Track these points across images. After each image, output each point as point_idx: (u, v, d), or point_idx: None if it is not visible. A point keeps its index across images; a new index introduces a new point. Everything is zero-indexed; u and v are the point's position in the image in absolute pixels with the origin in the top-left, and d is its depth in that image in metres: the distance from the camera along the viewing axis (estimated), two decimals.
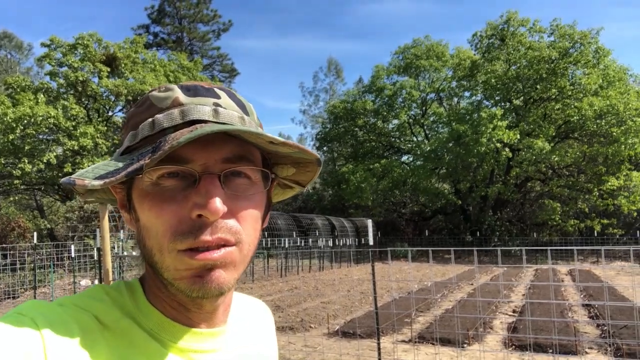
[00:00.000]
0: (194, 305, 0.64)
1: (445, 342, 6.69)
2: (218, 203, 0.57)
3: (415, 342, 6.91)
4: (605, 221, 24.33)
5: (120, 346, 0.58)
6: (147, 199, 0.60)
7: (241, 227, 0.61)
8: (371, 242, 5.28)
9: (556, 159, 24.52)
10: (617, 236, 24.39)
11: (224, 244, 0.59)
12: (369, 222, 5.27)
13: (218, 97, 0.63)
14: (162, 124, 0.60)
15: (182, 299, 0.63)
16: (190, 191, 0.59)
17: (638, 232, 20.81)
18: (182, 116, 0.60)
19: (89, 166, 0.62)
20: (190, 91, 0.63)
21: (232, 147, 0.61)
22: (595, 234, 23.47)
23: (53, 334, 0.53)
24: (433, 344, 6.66)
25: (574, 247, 5.95)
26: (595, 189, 24.43)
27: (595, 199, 24.37)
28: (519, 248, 8.94)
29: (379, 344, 5.37)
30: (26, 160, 17.25)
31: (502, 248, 9.56)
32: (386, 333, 7.49)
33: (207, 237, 0.57)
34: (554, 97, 26.23)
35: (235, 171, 0.61)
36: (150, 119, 0.61)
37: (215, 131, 0.54)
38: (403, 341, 7.10)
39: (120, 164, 0.59)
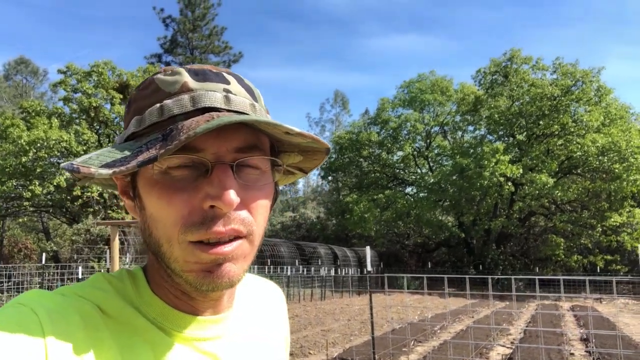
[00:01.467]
0: (199, 294, 0.63)
1: None
2: (232, 194, 0.56)
3: None
4: (609, 257, 24.30)
5: (123, 335, 0.58)
6: (156, 188, 0.58)
7: (252, 218, 0.60)
8: (369, 268, 5.47)
9: (559, 194, 24.67)
10: (621, 273, 24.28)
11: (236, 235, 0.58)
12: (367, 248, 5.48)
13: (227, 82, 0.62)
14: (172, 110, 0.58)
15: (187, 288, 0.62)
16: (202, 181, 0.57)
17: None
18: (192, 103, 0.58)
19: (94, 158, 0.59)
20: (199, 75, 0.61)
21: (244, 136, 0.59)
22: (599, 270, 23.40)
23: (53, 323, 0.52)
24: None
25: (586, 277, 6.09)
26: (599, 225, 24.49)
27: (599, 235, 24.41)
28: (520, 277, 9.06)
29: None
30: (37, 183, 17.64)
31: (500, 277, 9.65)
32: None
33: (219, 228, 0.56)
34: (556, 133, 26.59)
35: (246, 160, 0.60)
36: (158, 105, 0.59)
37: (234, 122, 0.53)
38: None
39: (127, 152, 0.56)
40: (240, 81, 0.64)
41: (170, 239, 0.57)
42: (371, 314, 5.38)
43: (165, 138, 0.54)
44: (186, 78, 0.60)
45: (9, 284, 13.53)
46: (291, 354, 8.19)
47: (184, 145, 0.55)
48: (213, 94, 0.59)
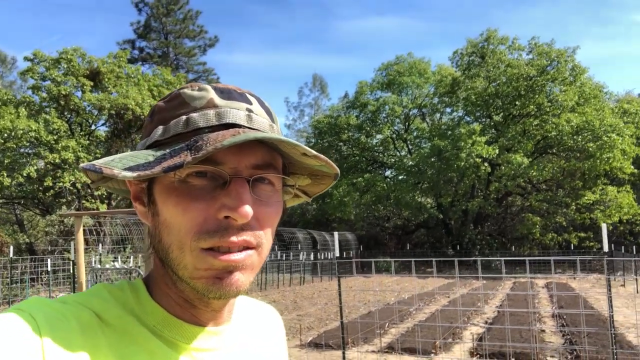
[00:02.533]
0: (202, 303, 0.64)
1: (413, 352, 6.85)
2: (248, 207, 0.58)
3: (384, 352, 7.06)
4: (583, 234, 24.82)
5: (121, 343, 0.58)
6: (174, 195, 0.60)
7: (263, 232, 0.62)
8: (337, 254, 5.43)
9: (535, 173, 25.02)
10: (594, 249, 24.86)
11: (247, 246, 0.60)
12: (335, 234, 5.44)
13: (250, 102, 0.65)
14: (198, 123, 0.61)
15: (190, 296, 0.63)
16: (219, 192, 0.59)
17: (613, 245, 21.24)
18: (218, 118, 0.61)
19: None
20: (224, 94, 0.64)
21: (262, 153, 0.62)
22: (572, 248, 23.91)
23: (51, 330, 0.52)
24: (400, 353, 6.81)
25: (551, 258, 6.16)
26: (573, 203, 24.96)
27: (573, 213, 24.88)
28: (497, 259, 9.16)
29: (344, 353, 5.51)
30: (5, 174, 17.17)
31: (482, 258, 9.74)
32: (357, 344, 7.63)
33: (232, 238, 0.58)
34: (532, 113, 26.86)
35: (261, 177, 0.62)
36: (184, 117, 0.62)
37: (260, 138, 0.56)
38: (373, 351, 7.25)
39: (151, 157, 0.59)
40: (261, 103, 0.67)
41: (182, 245, 0.59)
42: (340, 300, 5.37)
43: (190, 148, 0.56)
44: (212, 95, 0.63)
45: None
46: None
47: (207, 157, 0.57)
48: (237, 112, 0.62)
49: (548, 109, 26.08)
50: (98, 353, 0.55)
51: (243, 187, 0.59)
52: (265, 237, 0.63)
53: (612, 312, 5.05)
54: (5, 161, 17.54)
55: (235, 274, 0.60)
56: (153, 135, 0.63)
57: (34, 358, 0.49)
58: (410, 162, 29.41)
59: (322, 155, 0.62)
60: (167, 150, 0.59)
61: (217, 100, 0.63)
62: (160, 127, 0.63)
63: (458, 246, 27.33)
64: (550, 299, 13.25)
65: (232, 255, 0.59)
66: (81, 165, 0.60)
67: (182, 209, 0.59)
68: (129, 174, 0.55)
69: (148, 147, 0.63)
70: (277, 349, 0.81)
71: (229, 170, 0.60)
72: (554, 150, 27.19)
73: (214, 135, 0.56)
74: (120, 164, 0.58)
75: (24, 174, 17.61)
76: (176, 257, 0.60)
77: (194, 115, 0.61)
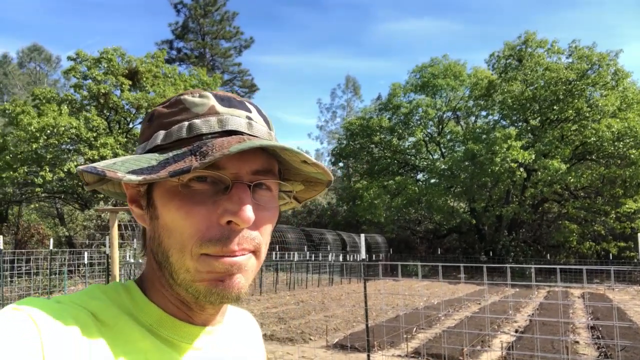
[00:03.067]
0: (197, 306, 0.65)
1: (439, 358, 6.74)
2: (249, 212, 0.59)
3: (410, 357, 6.99)
4: (623, 244, 23.92)
5: (118, 342, 0.58)
6: (176, 199, 0.60)
7: (261, 237, 0.63)
8: (363, 256, 5.42)
9: (572, 180, 24.27)
10: (635, 260, 23.91)
11: (246, 253, 0.62)
12: (362, 237, 5.43)
13: (249, 110, 0.67)
14: (201, 129, 0.62)
15: (187, 299, 0.64)
16: (221, 197, 0.60)
17: None
18: (220, 125, 0.62)
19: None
20: (224, 101, 0.65)
21: (261, 160, 0.63)
22: (612, 257, 23.07)
23: (50, 328, 0.53)
24: (426, 359, 6.73)
25: (584, 267, 5.99)
26: (612, 212, 24.08)
27: (612, 222, 24.01)
28: (528, 267, 8.95)
29: (369, 356, 5.49)
30: (47, 169, 17.84)
31: (512, 265, 9.52)
32: (383, 347, 7.58)
33: (234, 247, 0.59)
34: (571, 118, 26.08)
35: (260, 183, 0.63)
36: (186, 123, 0.63)
37: (265, 146, 0.57)
38: (399, 356, 7.18)
39: (153, 161, 0.59)
40: (259, 111, 0.69)
41: (183, 249, 0.60)
42: (365, 302, 5.36)
43: (194, 153, 0.57)
44: (213, 102, 0.65)
45: (26, 267, 13.81)
46: (291, 340, 8.23)
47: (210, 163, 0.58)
48: (238, 119, 0.64)
49: (587, 114, 25.27)
50: (96, 352, 0.55)
51: (245, 192, 0.60)
52: (263, 242, 0.64)
53: None
54: (48, 157, 18.22)
55: (237, 276, 0.61)
56: (154, 139, 0.64)
57: (34, 357, 0.49)
58: (443, 166, 29.00)
59: (320, 163, 0.64)
60: (170, 155, 0.60)
61: (219, 107, 0.64)
62: (162, 132, 0.64)
63: (491, 252, 26.78)
64: (585, 310, 12.83)
65: (234, 258, 0.60)
66: (79, 167, 0.60)
67: (184, 213, 0.60)
68: (134, 177, 0.56)
69: (149, 151, 0.64)
70: (258, 353, 0.83)
71: (230, 176, 0.61)
72: (593, 157, 26.32)
73: (219, 141, 0.58)
74: (124, 167, 0.58)
75: (65, 170, 18.25)
76: (176, 260, 0.61)
77: (197, 121, 0.63)
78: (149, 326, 0.63)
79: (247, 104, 0.68)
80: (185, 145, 0.61)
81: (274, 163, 0.65)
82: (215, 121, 0.63)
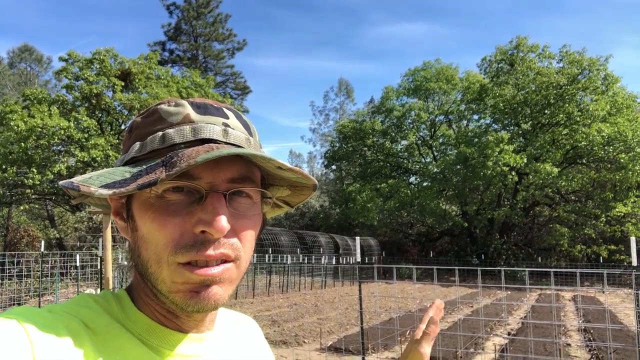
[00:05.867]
0: (183, 313, 0.65)
1: None
2: (224, 221, 0.58)
3: None
4: (613, 247, 24.14)
5: (109, 351, 0.58)
6: (150, 211, 0.60)
7: (241, 245, 0.63)
8: (358, 259, 5.42)
9: (563, 184, 24.48)
10: (625, 263, 24.14)
11: (225, 259, 0.61)
12: (357, 240, 5.43)
13: (227, 117, 0.66)
14: (174, 139, 0.61)
15: (172, 307, 0.64)
16: (196, 207, 0.60)
17: None
18: (193, 134, 0.62)
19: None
20: (200, 109, 0.65)
21: (238, 167, 0.62)
22: (602, 260, 23.27)
23: (41, 337, 0.52)
24: None
25: (577, 270, 6.03)
26: (603, 215, 24.30)
27: (603, 225, 24.23)
28: (522, 269, 9.01)
29: (363, 358, 5.49)
30: (35, 171, 17.66)
31: (505, 268, 9.58)
32: (377, 350, 7.58)
33: (210, 251, 0.59)
34: (562, 122, 26.31)
35: (238, 191, 0.62)
36: (160, 133, 0.62)
37: (232, 154, 0.56)
38: (393, 358, 7.19)
39: (127, 174, 0.59)
40: (238, 117, 0.68)
41: (160, 260, 0.60)
42: (360, 305, 5.36)
43: (165, 164, 0.57)
44: (189, 110, 0.64)
45: (17, 270, 13.67)
46: (285, 342, 8.20)
47: (183, 173, 0.58)
48: (213, 127, 0.63)
49: (578, 119, 25.51)
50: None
51: (219, 201, 0.60)
52: (244, 250, 0.63)
53: (639, 328, 4.90)
54: (36, 158, 18.04)
55: (212, 287, 0.60)
56: (130, 151, 0.64)
57: None
58: (435, 169, 29.13)
59: (297, 168, 0.63)
60: (144, 167, 0.60)
61: (193, 115, 0.64)
62: (138, 143, 0.64)
63: (483, 255, 26.90)
64: (576, 313, 12.93)
65: (209, 269, 0.59)
66: (60, 182, 0.60)
67: (158, 225, 0.60)
68: (105, 191, 0.56)
69: (126, 164, 0.64)
70: (258, 357, 0.82)
71: (205, 185, 0.60)
72: (584, 161, 26.57)
73: (189, 151, 0.57)
74: (97, 182, 0.58)
75: (55, 171, 18.09)
76: (154, 271, 0.61)
77: (170, 131, 0.62)
78: (139, 335, 0.63)
79: (225, 110, 0.67)
80: (159, 156, 0.61)
81: (253, 170, 0.65)
82: (189, 130, 0.62)
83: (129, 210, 0.64)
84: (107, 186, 0.57)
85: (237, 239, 0.62)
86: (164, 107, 0.65)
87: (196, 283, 0.59)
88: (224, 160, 0.61)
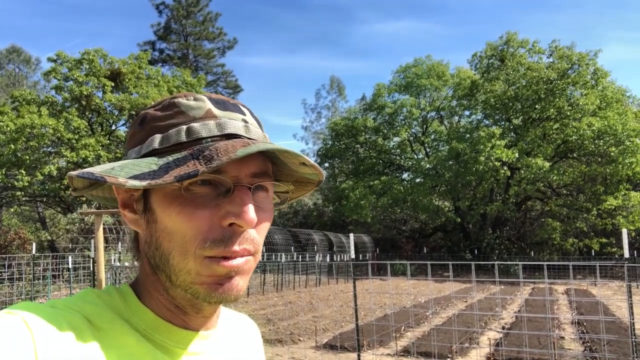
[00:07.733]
0: (193, 309, 0.65)
1: (429, 356, 6.79)
2: (252, 214, 0.60)
3: (400, 355, 7.01)
4: (604, 240, 24.36)
5: (112, 347, 0.58)
6: (176, 203, 0.60)
7: (260, 238, 0.64)
8: (353, 256, 5.42)
9: (555, 178, 24.65)
10: (617, 256, 24.37)
11: (247, 253, 0.62)
12: (351, 236, 5.43)
13: (243, 113, 0.67)
14: (200, 133, 0.62)
15: (182, 302, 0.64)
16: (223, 200, 0.61)
17: (636, 251, 20.80)
18: (219, 129, 0.63)
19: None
20: (219, 104, 0.66)
21: (258, 162, 0.64)
22: (594, 253, 23.47)
23: (44, 333, 0.52)
24: (416, 357, 6.76)
25: (570, 263, 6.08)
26: (594, 209, 24.51)
27: (594, 218, 24.43)
28: (515, 263, 9.05)
29: (359, 355, 5.49)
30: (24, 173, 17.49)
31: (499, 263, 9.63)
32: (372, 346, 7.59)
33: (236, 247, 0.60)
34: (552, 117, 26.47)
35: (260, 185, 0.64)
36: (184, 126, 0.63)
37: (270, 149, 0.57)
38: (388, 354, 7.21)
39: (154, 166, 0.59)
40: (251, 113, 0.69)
41: (186, 252, 0.60)
42: (355, 302, 5.36)
43: (196, 157, 0.58)
44: (209, 105, 0.65)
45: (8, 273, 13.54)
46: (280, 341, 8.20)
47: None
48: (235, 122, 0.64)
49: (569, 113, 25.68)
50: (90, 357, 0.55)
51: (247, 194, 0.61)
52: (261, 243, 0.65)
53: (632, 319, 4.95)
54: (26, 159, 17.86)
55: (235, 278, 0.62)
56: (150, 143, 0.63)
57: None
58: (428, 165, 29.22)
59: (317, 165, 0.65)
60: (171, 159, 0.60)
61: (215, 110, 0.65)
62: (158, 136, 0.63)
63: (476, 250, 27.03)
64: (569, 306, 13.03)
65: (234, 261, 0.61)
66: (71, 172, 0.59)
67: (186, 217, 0.60)
68: (137, 182, 0.56)
69: (144, 155, 0.63)
70: (257, 356, 0.83)
71: (231, 179, 0.61)
72: (575, 155, 26.77)
73: (223, 145, 0.58)
74: (123, 172, 0.58)
75: (45, 173, 17.93)
76: (177, 263, 0.61)
77: (195, 125, 0.63)
78: (143, 331, 0.63)
79: (240, 106, 0.68)
80: (184, 149, 0.61)
81: (269, 165, 0.66)
82: (214, 125, 0.63)
83: (145, 202, 0.64)
84: (136, 177, 0.57)
85: (257, 232, 0.64)
86: (182, 100, 0.65)
87: (221, 275, 0.60)
88: (248, 156, 0.61)
